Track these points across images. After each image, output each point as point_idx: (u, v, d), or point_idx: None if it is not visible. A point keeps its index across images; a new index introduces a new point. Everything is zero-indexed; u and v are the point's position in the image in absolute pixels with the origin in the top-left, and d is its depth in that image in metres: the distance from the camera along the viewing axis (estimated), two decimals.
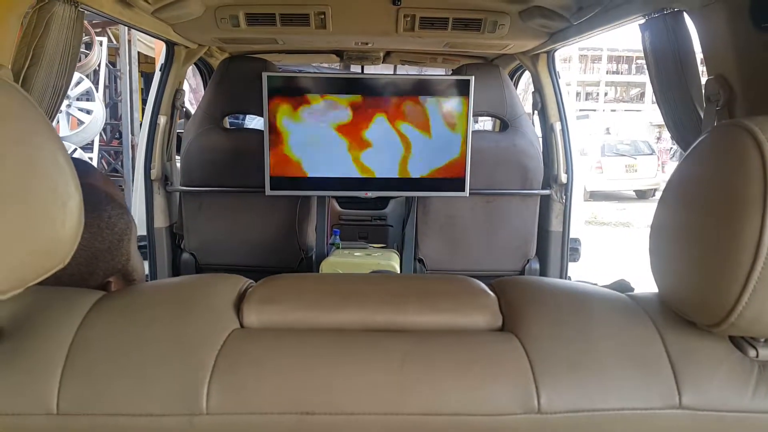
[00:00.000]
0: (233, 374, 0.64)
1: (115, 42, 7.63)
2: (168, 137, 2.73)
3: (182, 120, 3.06)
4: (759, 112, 1.21)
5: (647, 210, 11.69)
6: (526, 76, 3.14)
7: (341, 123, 2.50)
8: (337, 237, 2.95)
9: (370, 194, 2.66)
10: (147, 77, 8.71)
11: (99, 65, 7.53)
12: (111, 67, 7.98)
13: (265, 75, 2.42)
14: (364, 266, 2.53)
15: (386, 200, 3.42)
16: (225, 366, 0.64)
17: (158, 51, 6.44)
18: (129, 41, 7.45)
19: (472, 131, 2.56)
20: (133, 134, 7.62)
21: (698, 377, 0.65)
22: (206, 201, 2.77)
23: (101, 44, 7.42)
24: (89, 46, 7.18)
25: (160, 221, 2.77)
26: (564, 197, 2.78)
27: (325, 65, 4.23)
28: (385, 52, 3.12)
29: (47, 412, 0.63)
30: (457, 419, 0.64)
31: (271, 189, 2.54)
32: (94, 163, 7.22)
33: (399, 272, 2.58)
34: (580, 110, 27.49)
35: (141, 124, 7.89)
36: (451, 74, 3.04)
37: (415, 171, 2.57)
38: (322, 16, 2.09)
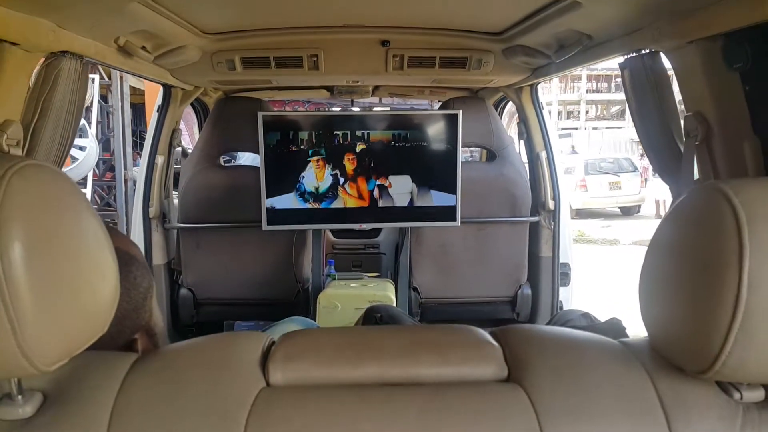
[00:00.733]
0: None
1: (107, 79, 7.68)
2: (165, 176, 2.79)
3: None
4: (735, 147, 1.29)
5: (632, 227, 11.84)
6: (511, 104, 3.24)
7: (333, 157, 2.58)
8: (332, 268, 3.01)
9: (365, 226, 2.72)
10: (135, 108, 8.76)
11: (91, 102, 7.57)
12: (103, 103, 8.02)
13: (260, 114, 2.49)
14: (360, 298, 2.58)
15: (379, 229, 3.48)
16: (256, 427, 0.69)
17: (148, 84, 6.48)
18: (121, 78, 7.50)
19: (462, 162, 2.64)
20: (125, 168, 7.65)
21: (689, 421, 0.71)
22: (204, 237, 2.82)
23: (93, 81, 7.46)
24: None
25: (159, 258, 2.81)
26: (552, 223, 2.86)
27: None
28: (374, 86, 3.21)
29: None
30: None
31: (267, 224, 2.59)
32: (88, 198, 7.21)
33: (395, 301, 2.63)
34: (563, 129, 27.81)
35: (132, 159, 7.95)
36: (439, 108, 3.13)
37: (408, 202, 2.65)
38: (315, 59, 2.17)
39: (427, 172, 2.63)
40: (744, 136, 1.27)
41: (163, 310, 2.85)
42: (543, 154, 2.83)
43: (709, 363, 0.67)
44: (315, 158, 2.57)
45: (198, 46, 2.04)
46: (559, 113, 31.63)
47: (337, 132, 2.56)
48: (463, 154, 2.76)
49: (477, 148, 3.70)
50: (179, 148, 2.87)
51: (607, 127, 29.72)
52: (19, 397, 0.69)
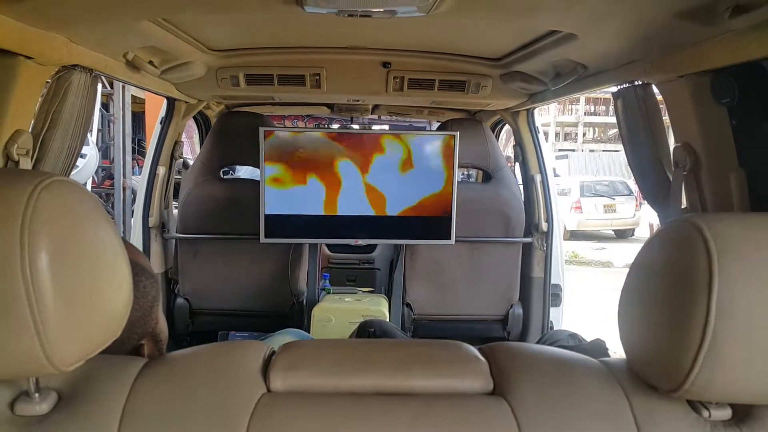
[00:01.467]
0: None
1: (109, 88, 7.73)
2: (166, 186, 2.83)
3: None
4: (721, 178, 1.34)
5: (626, 250, 11.89)
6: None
7: (332, 174, 2.62)
8: (327, 282, 3.04)
9: (361, 242, 2.76)
10: (135, 117, 8.79)
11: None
12: (104, 111, 8.07)
13: (261, 130, 2.54)
14: (354, 312, 2.61)
15: (374, 245, 3.52)
16: (257, 430, 0.74)
17: (149, 93, 6.52)
18: (123, 87, 7.54)
19: (458, 182, 2.69)
20: (124, 177, 7.69)
21: None
22: (202, 248, 2.85)
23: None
24: None
25: (156, 267, 2.84)
26: (545, 245, 2.91)
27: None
28: (374, 105, 3.26)
29: None
30: None
31: (265, 237, 2.63)
32: None
33: (388, 317, 2.66)
34: (560, 150, 27.98)
35: (131, 167, 7.97)
36: (437, 128, 3.19)
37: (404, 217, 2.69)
38: (317, 77, 2.22)
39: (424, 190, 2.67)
40: (730, 168, 1.32)
41: None
42: (537, 177, 2.89)
43: (679, 382, 0.73)
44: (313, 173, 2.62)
45: (203, 62, 2.09)
46: (557, 135, 31.80)
47: (336, 148, 2.61)
48: (459, 174, 2.81)
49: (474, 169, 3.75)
50: (180, 160, 2.92)
51: (603, 150, 29.88)
52: (36, 395, 0.74)
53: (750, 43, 1.11)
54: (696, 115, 1.38)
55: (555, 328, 2.90)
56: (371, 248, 3.56)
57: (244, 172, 5.10)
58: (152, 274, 0.98)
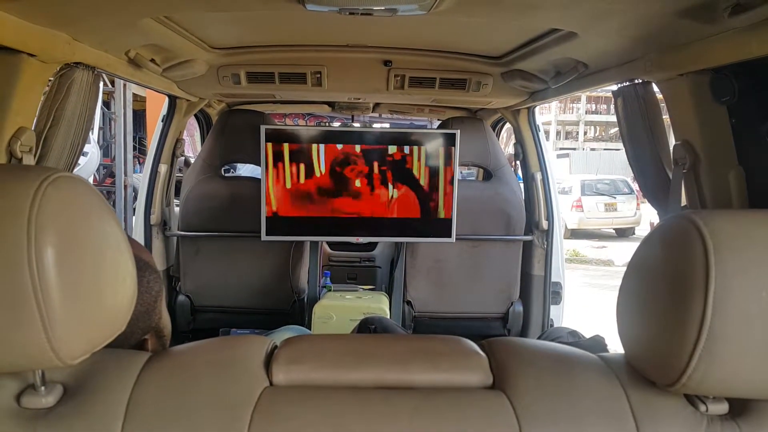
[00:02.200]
0: (267, 431, 0.75)
1: (110, 86, 7.74)
2: (168, 184, 2.84)
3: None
4: (720, 176, 1.35)
5: (627, 248, 11.89)
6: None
7: (333, 172, 2.63)
8: (328, 279, 3.05)
9: (361, 240, 2.77)
10: (135, 114, 8.81)
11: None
12: (105, 109, 8.08)
13: (263, 128, 2.54)
14: (354, 309, 2.61)
15: (374, 243, 3.53)
16: (260, 423, 0.75)
17: (150, 91, 6.54)
18: (124, 85, 7.56)
19: (458, 180, 2.69)
20: (125, 174, 7.70)
21: (656, 429, 0.77)
22: (203, 245, 2.86)
23: None
24: None
25: (158, 264, 2.84)
26: (545, 243, 2.91)
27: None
28: (375, 103, 3.27)
29: None
30: None
31: (267, 234, 2.64)
32: None
33: (389, 314, 2.67)
34: (561, 149, 27.95)
35: (133, 164, 7.98)
36: (438, 126, 3.20)
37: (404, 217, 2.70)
38: (318, 75, 2.23)
39: (425, 188, 2.68)
40: (729, 166, 1.33)
41: None
42: (538, 175, 2.90)
43: (676, 377, 0.73)
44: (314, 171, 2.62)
45: (205, 60, 2.10)
46: (558, 133, 31.77)
47: (337, 146, 2.62)
48: (460, 171, 2.81)
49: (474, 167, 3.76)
50: (182, 158, 2.93)
51: (605, 149, 29.85)
52: (42, 388, 0.75)
53: (750, 41, 1.12)
54: (696, 113, 1.39)
55: (555, 326, 2.91)
56: (372, 246, 3.57)
57: (245, 170, 5.10)
58: (155, 270, 0.99)
